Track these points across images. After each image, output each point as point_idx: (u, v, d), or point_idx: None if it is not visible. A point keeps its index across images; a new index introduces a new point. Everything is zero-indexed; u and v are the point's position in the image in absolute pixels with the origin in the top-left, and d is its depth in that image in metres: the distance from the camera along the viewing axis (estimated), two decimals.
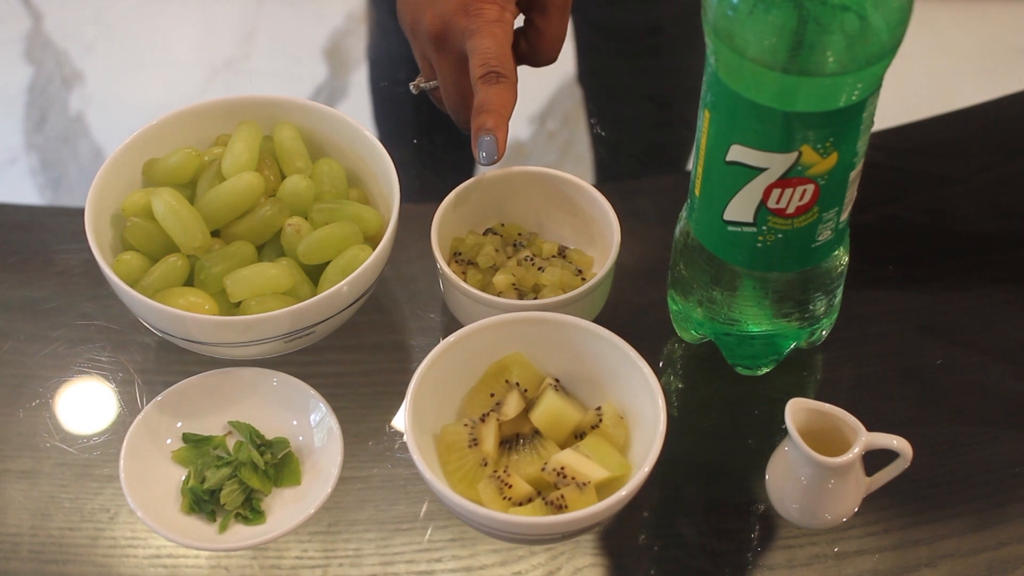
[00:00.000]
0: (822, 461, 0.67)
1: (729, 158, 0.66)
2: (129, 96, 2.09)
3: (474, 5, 0.78)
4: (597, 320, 0.75)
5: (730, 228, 0.69)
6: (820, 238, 0.70)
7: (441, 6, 0.79)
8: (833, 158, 0.65)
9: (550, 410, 0.72)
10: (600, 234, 0.81)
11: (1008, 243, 0.88)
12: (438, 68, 0.82)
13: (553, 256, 0.80)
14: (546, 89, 2.01)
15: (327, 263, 0.77)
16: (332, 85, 2.13)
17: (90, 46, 2.22)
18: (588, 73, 1.30)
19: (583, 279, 0.79)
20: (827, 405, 0.68)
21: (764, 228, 0.68)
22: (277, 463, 0.73)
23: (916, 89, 1.92)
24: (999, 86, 1.05)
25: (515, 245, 0.81)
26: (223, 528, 0.71)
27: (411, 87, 0.86)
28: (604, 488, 0.68)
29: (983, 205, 0.91)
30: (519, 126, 1.99)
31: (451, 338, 0.72)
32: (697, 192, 0.71)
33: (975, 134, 0.98)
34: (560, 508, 0.67)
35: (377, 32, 1.28)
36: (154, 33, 2.25)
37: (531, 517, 0.66)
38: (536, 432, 0.72)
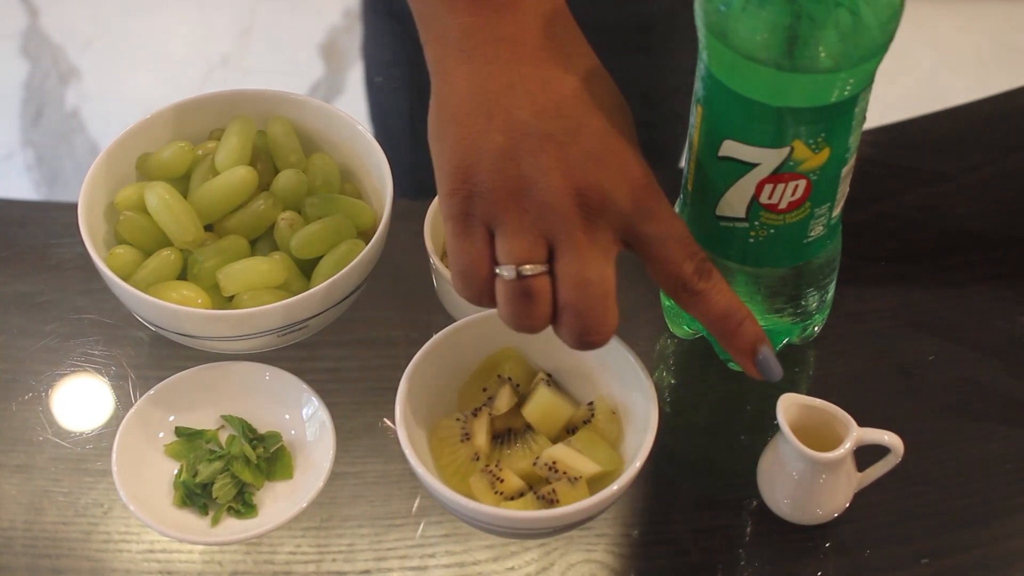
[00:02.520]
0: (813, 456, 0.67)
1: (721, 153, 0.66)
2: (125, 92, 2.09)
3: (648, 188, 0.61)
4: None
5: (722, 223, 0.70)
6: (812, 234, 0.70)
7: (588, 177, 0.59)
8: (825, 154, 0.65)
9: (542, 405, 0.72)
10: None
11: (1002, 240, 0.88)
12: (578, 252, 0.59)
13: None
14: None
15: (320, 257, 0.77)
16: (329, 82, 2.13)
17: (87, 42, 2.22)
18: None
19: None
20: (819, 400, 0.69)
21: (756, 223, 0.69)
22: (269, 457, 0.74)
23: (910, 86, 1.92)
24: (993, 83, 1.05)
25: None
26: (215, 522, 0.71)
27: (502, 272, 0.59)
28: (596, 483, 0.68)
29: (977, 202, 0.91)
30: None
31: (443, 333, 0.72)
32: (689, 187, 0.71)
33: (969, 131, 0.98)
34: (552, 502, 0.67)
35: (370, 29, 1.28)
36: (151, 30, 2.25)
37: (523, 511, 0.66)
38: (528, 427, 0.72)
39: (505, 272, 0.59)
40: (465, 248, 0.60)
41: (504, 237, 0.59)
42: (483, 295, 0.61)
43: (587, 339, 0.60)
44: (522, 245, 0.59)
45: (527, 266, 0.59)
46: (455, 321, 0.73)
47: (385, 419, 0.77)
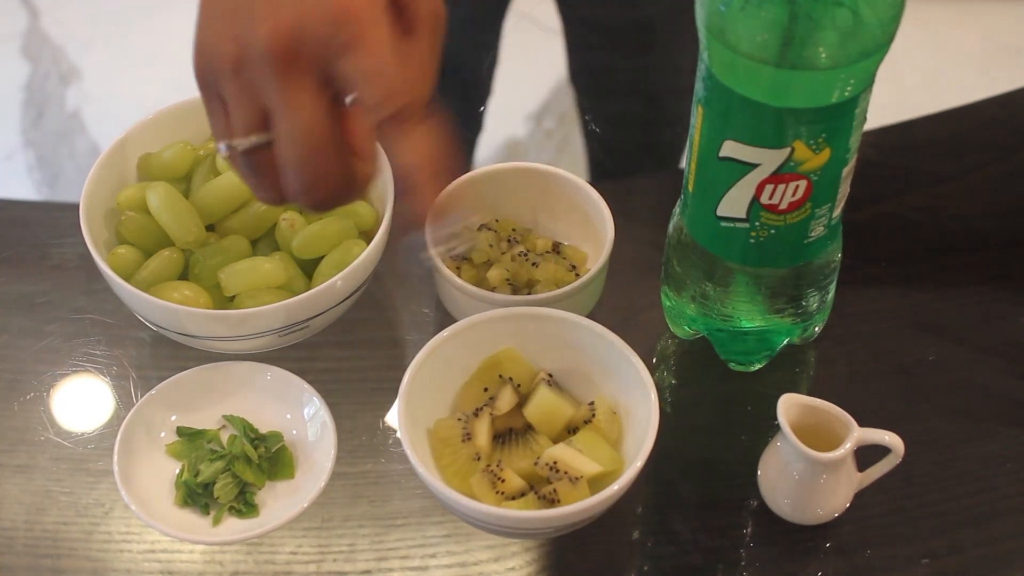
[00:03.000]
0: (814, 456, 0.67)
1: (722, 154, 0.66)
2: (126, 93, 2.09)
3: (348, 14, 0.55)
4: (591, 316, 0.75)
5: (723, 224, 0.70)
6: (813, 234, 0.70)
7: (288, 12, 0.54)
8: (826, 154, 0.65)
9: (543, 405, 0.72)
10: (594, 230, 0.81)
11: (1002, 241, 0.88)
12: (284, 107, 0.55)
13: (547, 252, 0.81)
14: (543, 87, 2.01)
15: (321, 258, 0.77)
16: None
17: (87, 43, 2.23)
18: (581, 71, 1.31)
19: (577, 275, 0.79)
20: (819, 400, 0.69)
21: (757, 224, 0.69)
22: (271, 457, 0.74)
23: (911, 87, 1.92)
24: (994, 84, 1.06)
25: (509, 241, 0.81)
26: (217, 521, 0.71)
27: (220, 148, 0.58)
28: (597, 482, 0.68)
29: (977, 203, 0.92)
30: (516, 124, 1.99)
31: (445, 333, 0.72)
32: (690, 188, 0.71)
33: (969, 132, 0.98)
34: (553, 502, 0.67)
35: None
36: (151, 30, 2.25)
37: (524, 511, 0.66)
38: (529, 427, 0.72)
39: (222, 149, 0.57)
40: (211, 125, 0.59)
41: (230, 111, 0.57)
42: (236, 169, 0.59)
43: (316, 197, 0.57)
44: (239, 117, 0.57)
45: (236, 140, 0.57)
46: (456, 321, 0.73)
47: (386, 419, 0.77)
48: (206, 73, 0.58)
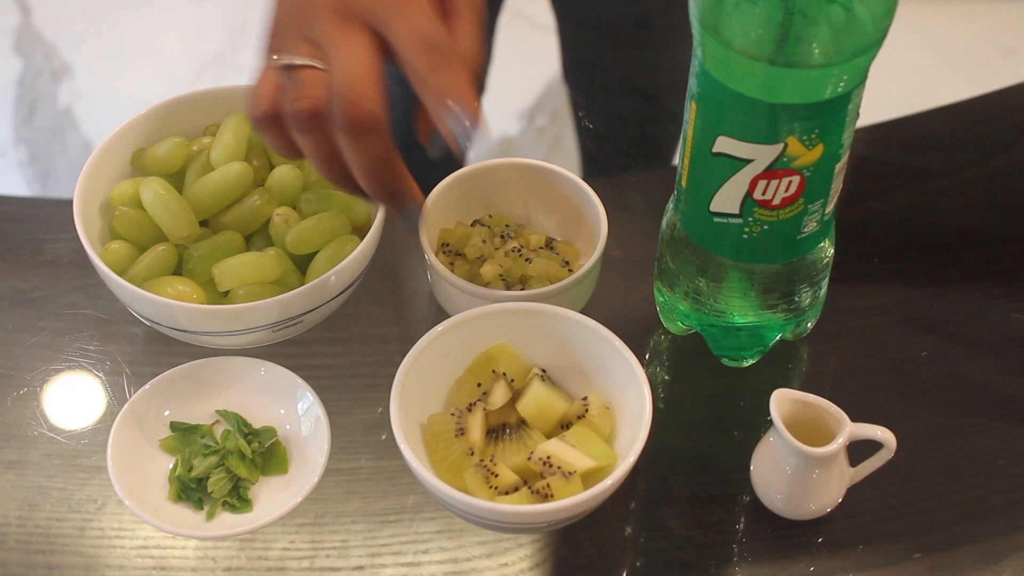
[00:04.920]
0: (806, 451, 0.67)
1: (715, 149, 0.67)
2: (118, 90, 2.09)
3: None
4: (584, 311, 0.75)
5: (716, 219, 0.70)
6: (806, 230, 0.70)
7: None
8: (819, 150, 0.65)
9: (536, 400, 0.72)
10: (587, 226, 0.81)
11: (993, 237, 0.89)
12: (338, 45, 0.64)
13: (540, 247, 0.81)
14: (536, 85, 2.01)
15: (315, 253, 0.77)
16: None
17: (80, 40, 2.22)
18: (574, 68, 1.31)
19: (570, 270, 0.79)
20: (812, 396, 0.69)
21: (750, 219, 0.69)
22: (264, 452, 0.74)
23: (903, 85, 1.93)
24: (985, 83, 1.06)
25: (503, 236, 0.81)
26: (210, 516, 0.71)
27: (272, 59, 0.66)
28: (590, 477, 0.69)
29: (968, 200, 0.92)
30: (509, 122, 1.99)
31: (438, 328, 0.72)
32: (684, 183, 0.71)
33: (961, 130, 0.98)
34: (546, 497, 0.68)
35: None
36: (144, 27, 2.25)
37: (517, 506, 0.66)
38: (522, 422, 0.72)
39: (277, 58, 0.65)
40: (259, 76, 0.67)
41: (286, 51, 0.66)
42: (261, 98, 0.66)
43: (352, 114, 0.63)
44: (297, 48, 0.65)
45: (296, 58, 0.65)
46: (450, 317, 0.73)
47: (379, 415, 0.77)
48: (279, 24, 0.67)
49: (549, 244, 0.81)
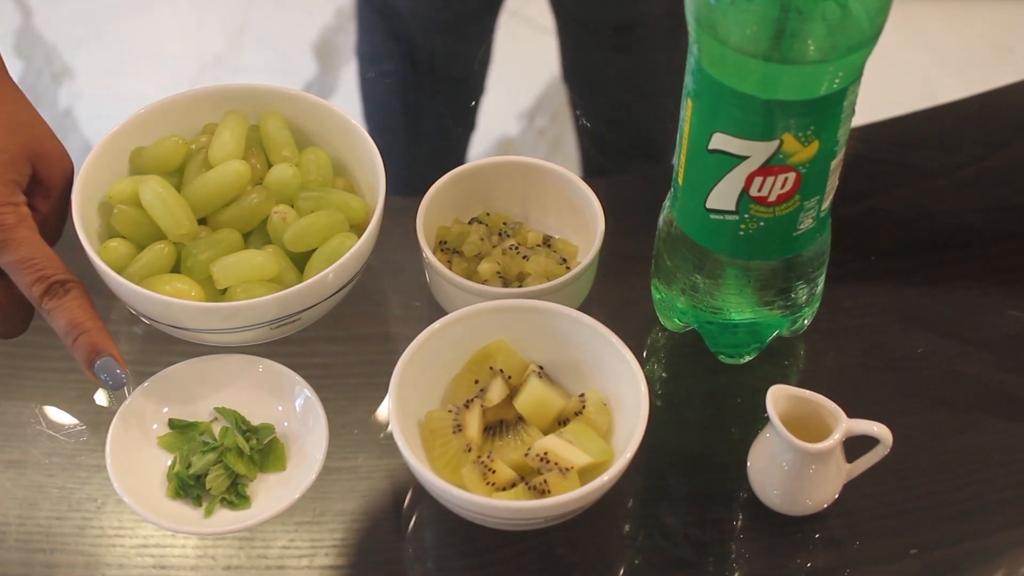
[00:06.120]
0: (803, 447, 0.67)
1: (711, 146, 0.67)
2: (118, 92, 2.09)
3: None
4: (581, 308, 0.75)
5: (712, 216, 0.70)
6: (802, 226, 0.70)
7: None
8: (814, 146, 0.66)
9: (534, 396, 0.72)
10: (584, 223, 0.81)
11: (990, 236, 0.89)
12: None
13: (538, 245, 0.81)
14: (536, 85, 2.01)
15: (313, 251, 0.77)
16: (321, 81, 2.13)
17: (80, 42, 2.22)
18: (574, 69, 1.31)
19: (567, 268, 0.79)
20: (808, 392, 0.69)
21: (746, 216, 0.69)
22: (262, 449, 0.74)
23: (900, 84, 1.93)
24: (981, 82, 1.06)
25: (500, 234, 0.82)
26: (209, 513, 0.71)
27: None
28: (587, 473, 0.69)
29: (966, 198, 0.92)
30: (509, 122, 1.99)
31: (436, 325, 0.72)
32: (680, 181, 0.71)
33: (958, 128, 0.98)
34: (543, 493, 0.68)
35: (364, 28, 1.29)
36: (144, 29, 2.25)
37: (514, 502, 0.66)
38: (520, 418, 0.72)
39: None
40: None
41: None
42: None
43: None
44: None
45: None
46: (447, 314, 0.73)
47: (377, 412, 0.77)
48: None
49: (546, 242, 0.82)
